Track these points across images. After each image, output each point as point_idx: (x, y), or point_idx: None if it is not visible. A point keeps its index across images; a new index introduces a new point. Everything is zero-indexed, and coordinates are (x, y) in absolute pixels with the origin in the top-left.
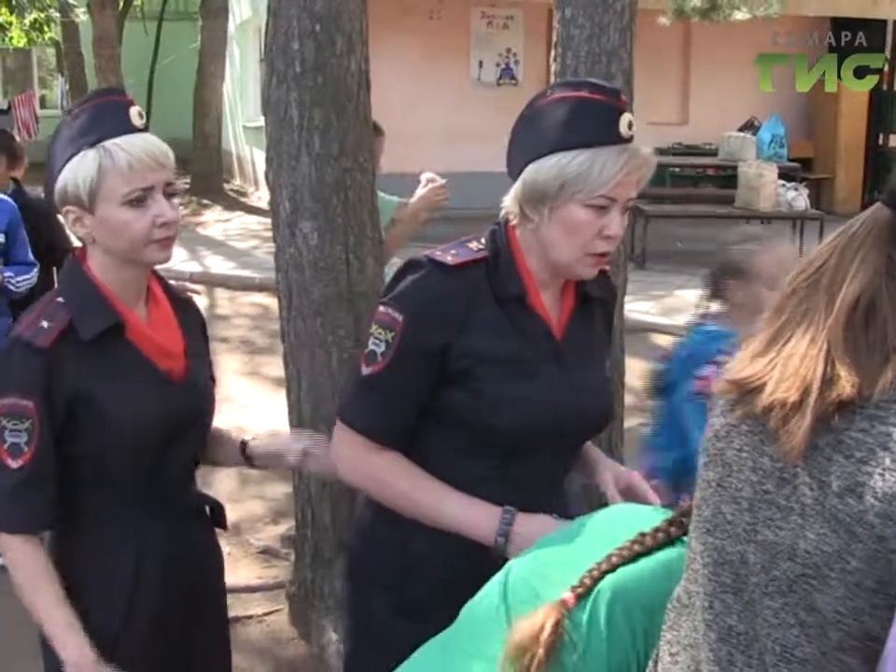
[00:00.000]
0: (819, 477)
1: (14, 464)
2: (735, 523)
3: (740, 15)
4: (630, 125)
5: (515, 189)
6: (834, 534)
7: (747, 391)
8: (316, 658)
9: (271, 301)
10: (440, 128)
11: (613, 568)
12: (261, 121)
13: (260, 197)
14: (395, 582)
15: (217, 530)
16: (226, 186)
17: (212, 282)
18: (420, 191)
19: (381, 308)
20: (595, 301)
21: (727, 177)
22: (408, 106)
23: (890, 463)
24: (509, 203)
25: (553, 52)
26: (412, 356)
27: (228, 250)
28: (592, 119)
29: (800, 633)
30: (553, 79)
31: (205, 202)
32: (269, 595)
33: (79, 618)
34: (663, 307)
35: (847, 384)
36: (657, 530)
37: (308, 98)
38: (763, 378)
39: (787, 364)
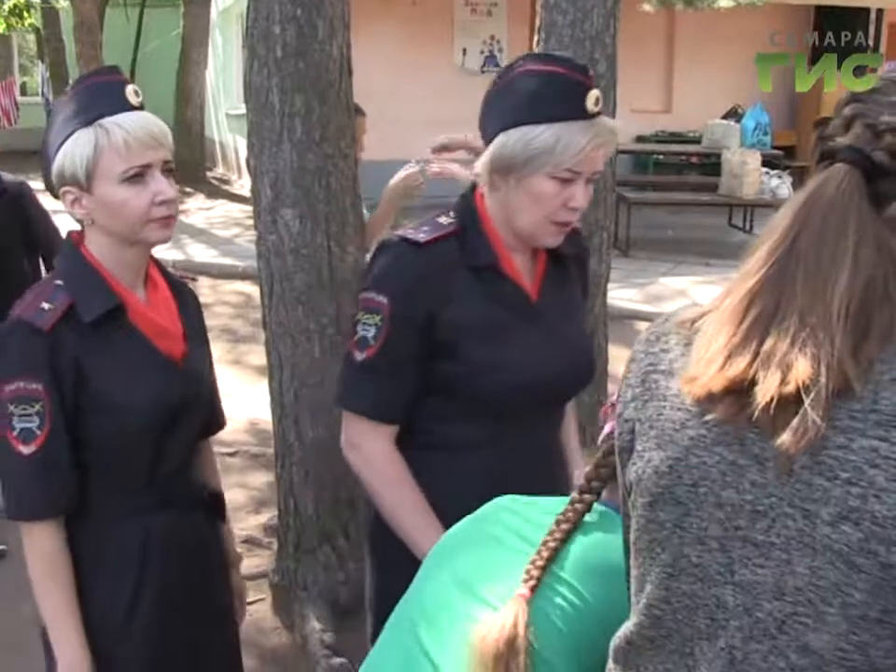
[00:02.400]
0: (801, 506)
1: (26, 449)
2: (705, 565)
3: (724, 2)
4: (597, 101)
5: (485, 156)
6: (830, 566)
7: (735, 392)
8: (299, 647)
9: (253, 290)
10: (423, 115)
11: (555, 553)
12: (244, 109)
13: (243, 185)
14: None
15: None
16: (209, 174)
17: (194, 270)
18: (395, 179)
19: (363, 294)
20: (569, 258)
21: (711, 165)
22: (391, 93)
23: (885, 482)
24: (480, 169)
25: (535, 37)
26: (402, 332)
27: (210, 238)
28: (559, 93)
29: None
30: None
31: (188, 189)
32: (251, 585)
33: (83, 607)
34: (646, 295)
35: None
36: (574, 502)
37: (289, 83)
38: (748, 375)
39: (778, 360)
